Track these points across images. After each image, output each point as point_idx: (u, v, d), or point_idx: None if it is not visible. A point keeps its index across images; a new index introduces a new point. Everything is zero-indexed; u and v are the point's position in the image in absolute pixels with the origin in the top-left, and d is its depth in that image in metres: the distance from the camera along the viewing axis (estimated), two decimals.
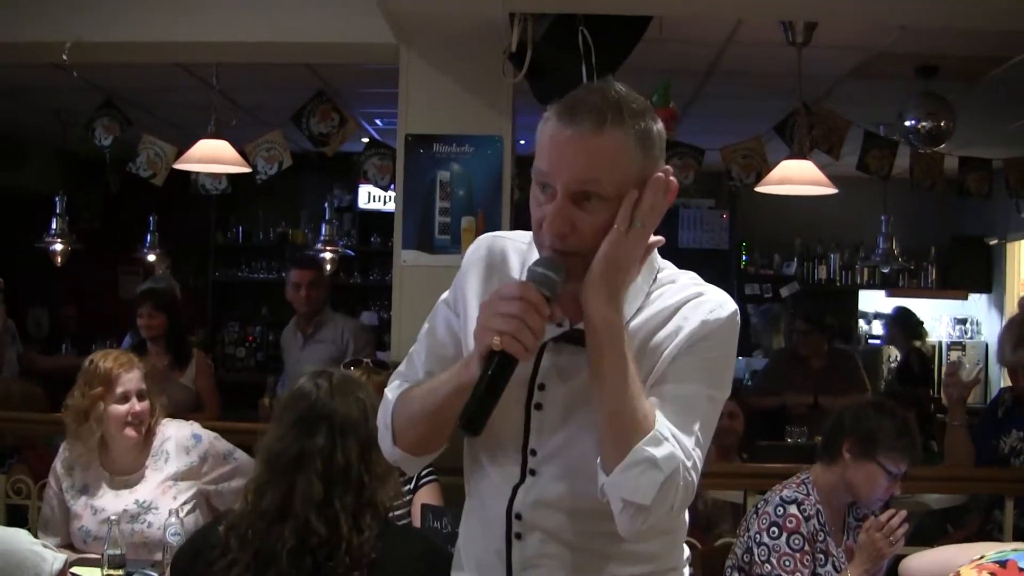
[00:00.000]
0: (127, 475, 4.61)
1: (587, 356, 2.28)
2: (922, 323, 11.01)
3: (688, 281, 2.45)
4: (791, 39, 6.52)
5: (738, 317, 2.40)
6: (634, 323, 2.35)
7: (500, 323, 2.20)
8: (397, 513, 4.50)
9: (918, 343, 10.86)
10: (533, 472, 2.43)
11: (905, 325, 10.58)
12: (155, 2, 6.25)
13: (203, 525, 3.72)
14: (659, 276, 2.45)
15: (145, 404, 4.60)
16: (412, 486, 4.75)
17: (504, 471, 2.47)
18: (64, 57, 6.26)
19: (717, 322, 2.35)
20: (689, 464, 2.23)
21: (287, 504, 3.17)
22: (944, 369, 5.90)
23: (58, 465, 4.67)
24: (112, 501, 4.53)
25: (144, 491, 4.57)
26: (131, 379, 4.61)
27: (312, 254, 10.14)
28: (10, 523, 3.94)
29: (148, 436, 4.66)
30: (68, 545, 4.52)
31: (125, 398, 4.57)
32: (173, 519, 4.28)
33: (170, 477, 4.60)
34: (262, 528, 3.17)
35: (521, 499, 2.43)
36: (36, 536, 3.85)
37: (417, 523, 4.47)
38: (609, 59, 5.49)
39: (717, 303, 2.38)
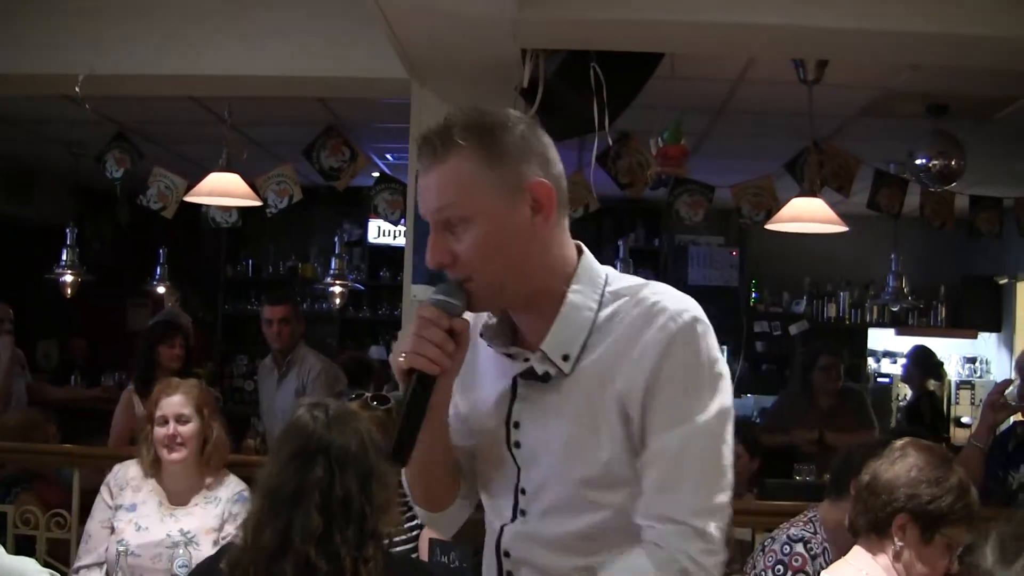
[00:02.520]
0: (178, 504, 4.68)
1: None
2: (942, 364, 10.96)
3: (643, 294, 2.36)
4: (802, 77, 6.53)
5: (699, 321, 2.29)
6: (585, 363, 2.33)
7: (405, 344, 2.28)
8: (405, 548, 4.50)
9: (933, 385, 10.80)
10: (524, 512, 2.42)
11: (925, 365, 10.52)
12: (168, 36, 6.26)
13: (205, 559, 3.71)
14: (606, 294, 2.39)
15: (187, 428, 4.66)
16: (420, 521, 4.75)
17: (499, 511, 2.48)
18: (77, 90, 6.28)
19: (679, 338, 2.27)
20: (693, 549, 2.20)
21: (286, 539, 3.13)
22: (993, 387, 5.81)
23: (111, 481, 4.74)
24: (158, 524, 4.60)
25: (191, 523, 4.61)
26: (172, 403, 4.68)
27: (285, 290, 10.11)
28: (18, 553, 3.93)
29: (208, 469, 4.73)
30: (101, 563, 4.58)
31: (164, 421, 4.64)
32: (181, 550, 4.30)
33: (216, 518, 4.63)
34: (263, 564, 3.14)
35: (508, 536, 2.43)
36: (72, 556, 3.86)
37: (424, 557, 4.46)
38: (620, 96, 5.51)
39: (670, 315, 2.28)
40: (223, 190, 7.44)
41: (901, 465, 3.43)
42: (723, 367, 2.32)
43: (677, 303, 2.31)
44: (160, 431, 4.67)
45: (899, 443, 3.55)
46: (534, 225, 2.30)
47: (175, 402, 4.71)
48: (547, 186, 2.31)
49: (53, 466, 6.68)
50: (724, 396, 2.31)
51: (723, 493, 2.26)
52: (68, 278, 9.72)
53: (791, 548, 4.10)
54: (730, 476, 2.29)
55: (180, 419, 4.68)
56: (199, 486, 4.74)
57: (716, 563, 2.23)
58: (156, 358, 7.41)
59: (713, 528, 2.22)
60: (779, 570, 4.09)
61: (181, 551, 4.36)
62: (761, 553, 4.23)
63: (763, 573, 4.14)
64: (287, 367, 7.76)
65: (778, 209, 7.07)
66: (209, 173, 7.43)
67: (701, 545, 2.20)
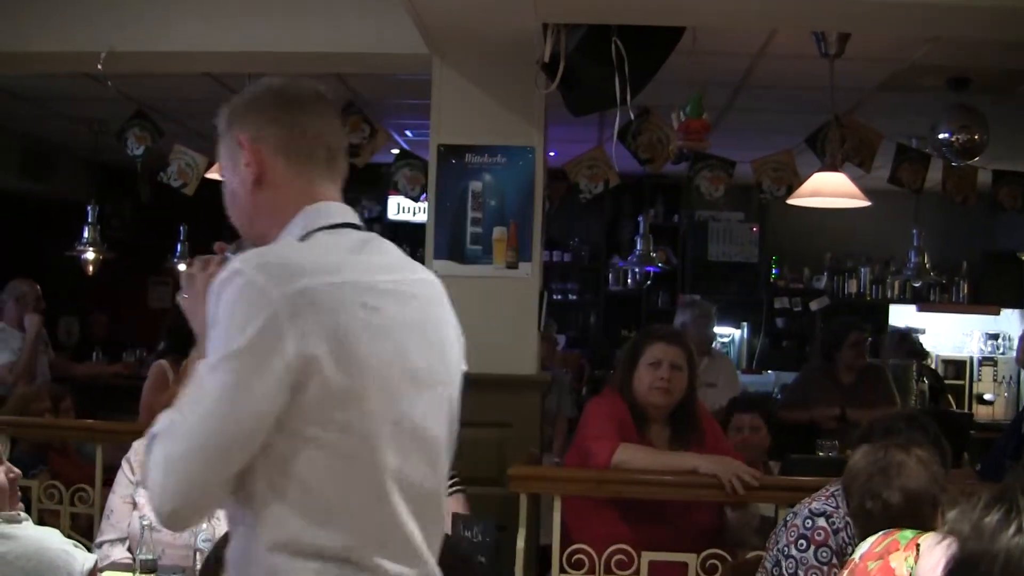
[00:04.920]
0: None
1: None
2: (920, 344, 10.88)
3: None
4: (824, 51, 6.49)
5: (237, 273, 2.19)
6: None
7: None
8: None
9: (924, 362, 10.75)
10: None
11: (908, 349, 10.45)
12: (188, 13, 6.27)
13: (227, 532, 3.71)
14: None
15: None
16: None
17: None
18: (99, 67, 6.28)
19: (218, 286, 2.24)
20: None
21: None
22: None
23: (132, 456, 4.72)
24: None
25: None
26: None
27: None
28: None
29: None
30: (124, 538, 4.59)
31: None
32: (205, 524, 4.30)
33: None
34: None
35: None
36: (95, 529, 3.87)
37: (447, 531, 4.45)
38: (642, 70, 5.48)
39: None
40: None
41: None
42: (244, 327, 2.15)
43: (244, 257, 2.25)
44: None
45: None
46: (249, 179, 2.45)
47: None
48: (253, 145, 2.44)
49: (76, 441, 6.70)
50: (234, 342, 2.16)
51: (181, 417, 2.22)
52: (90, 255, 9.75)
53: (813, 522, 4.09)
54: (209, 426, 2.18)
55: None
56: None
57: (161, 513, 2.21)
58: (183, 337, 7.40)
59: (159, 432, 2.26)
60: (802, 544, 4.07)
61: (204, 525, 4.35)
62: (783, 528, 4.22)
63: (786, 548, 4.12)
64: None
65: (799, 184, 7.03)
66: None
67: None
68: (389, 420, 2.26)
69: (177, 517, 2.20)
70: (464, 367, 2.54)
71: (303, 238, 2.38)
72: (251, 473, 2.20)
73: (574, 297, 13.34)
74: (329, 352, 2.17)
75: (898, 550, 3.19)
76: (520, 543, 4.90)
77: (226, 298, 2.19)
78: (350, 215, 2.46)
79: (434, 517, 2.41)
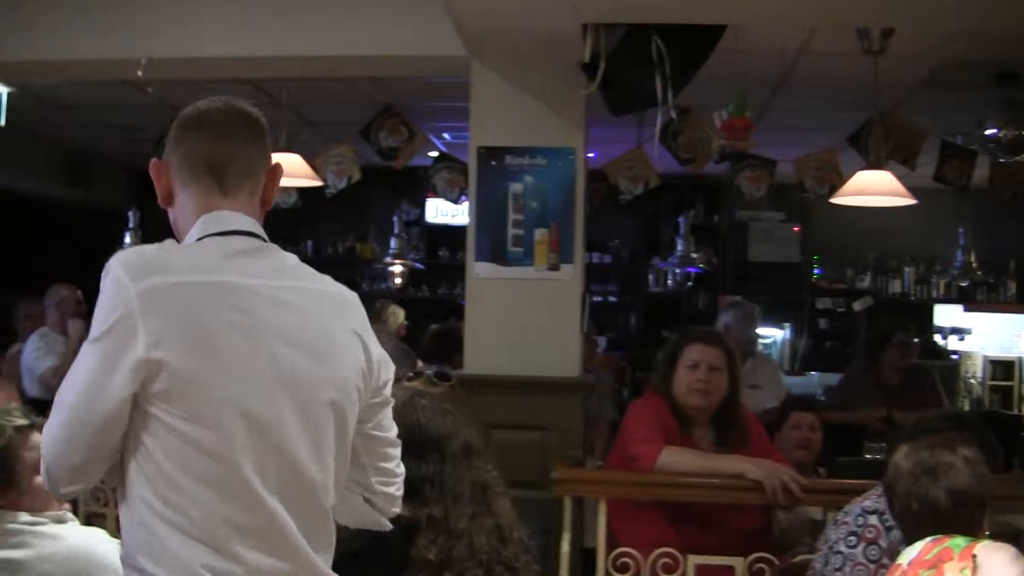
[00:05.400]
0: None
1: None
2: (938, 344, 10.74)
3: None
4: (866, 47, 6.41)
5: (109, 269, 2.39)
6: None
7: None
8: None
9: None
10: None
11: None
12: (227, 19, 6.25)
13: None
14: None
15: None
16: None
17: None
18: (139, 74, 6.27)
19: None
20: None
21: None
22: None
23: None
24: None
25: None
26: None
27: (336, 274, 9.99)
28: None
29: None
30: None
31: None
32: None
33: None
34: None
35: None
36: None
37: None
38: (683, 69, 5.44)
39: None
40: (284, 171, 7.41)
41: None
42: (107, 317, 2.36)
43: (119, 253, 2.45)
44: None
45: None
46: (161, 198, 2.66)
47: None
48: (159, 168, 2.64)
49: None
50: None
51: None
52: None
53: (865, 520, 4.02)
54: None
55: None
56: None
57: None
58: None
59: None
60: (851, 541, 4.01)
61: None
62: (834, 526, 4.16)
63: (835, 544, 4.06)
64: None
65: (842, 183, 6.95)
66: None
67: None
68: (239, 415, 2.35)
69: (50, 480, 2.41)
70: (368, 376, 2.58)
71: (198, 241, 2.52)
72: (124, 450, 2.38)
73: (614, 299, 13.29)
74: (181, 347, 2.31)
75: (952, 560, 3.12)
76: (564, 547, 4.86)
77: (102, 288, 2.39)
78: (244, 224, 2.53)
79: (313, 511, 2.47)
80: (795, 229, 12.61)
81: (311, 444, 2.45)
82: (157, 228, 9.72)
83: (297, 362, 2.43)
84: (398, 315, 10.39)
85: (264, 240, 2.54)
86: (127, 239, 9.67)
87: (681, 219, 10.47)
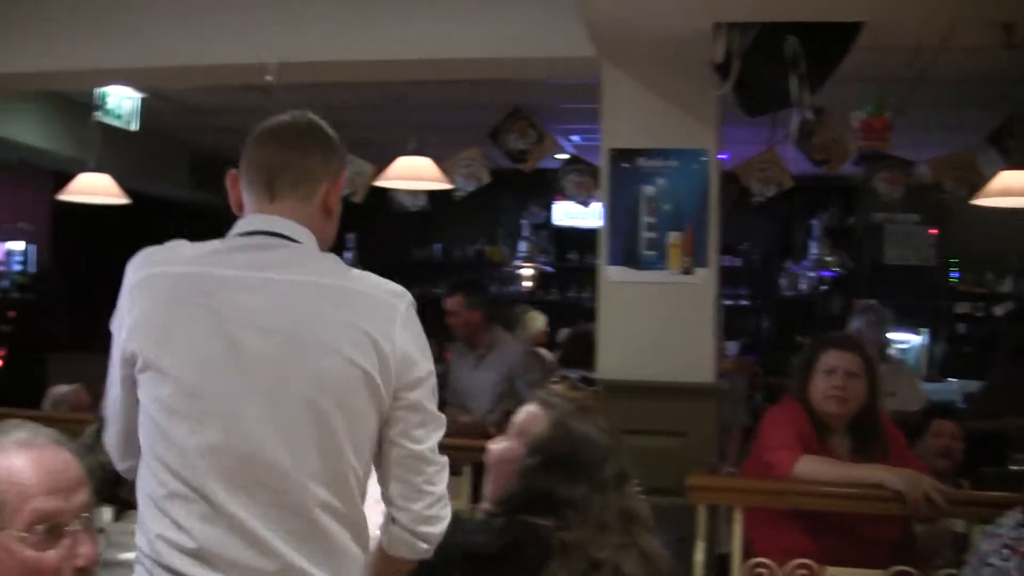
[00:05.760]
0: None
1: None
2: None
3: None
4: (1008, 42, 6.22)
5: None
6: None
7: None
8: None
9: None
10: None
11: None
12: (355, 23, 6.28)
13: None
14: None
15: None
16: None
17: None
18: (268, 78, 6.31)
19: None
20: None
21: None
22: None
23: None
24: None
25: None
26: None
27: (467, 277, 10.01)
28: None
29: None
30: None
31: None
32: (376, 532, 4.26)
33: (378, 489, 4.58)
34: None
35: None
36: None
37: None
38: (819, 68, 5.32)
39: None
40: (413, 174, 7.45)
41: None
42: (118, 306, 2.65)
43: None
44: None
45: None
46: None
47: None
48: (229, 176, 2.85)
49: None
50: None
51: None
52: None
53: (1020, 532, 3.89)
54: None
55: None
56: None
57: None
58: None
59: None
60: (1005, 554, 3.88)
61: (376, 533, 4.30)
62: (986, 538, 4.03)
63: (987, 556, 3.93)
64: (485, 351, 7.70)
65: (983, 184, 6.76)
66: (397, 158, 7.44)
67: None
68: (187, 395, 2.49)
69: (111, 457, 2.77)
70: (377, 375, 2.55)
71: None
72: None
73: (746, 302, 13.15)
74: (147, 334, 2.53)
75: None
76: (699, 555, 4.78)
77: None
78: (271, 225, 2.65)
79: (291, 510, 2.48)
80: (931, 232, 12.36)
81: (276, 433, 2.48)
82: None
83: (264, 348, 2.50)
84: (537, 320, 10.39)
85: (289, 239, 2.64)
86: None
87: (815, 221, 10.32)
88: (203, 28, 6.46)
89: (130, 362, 2.55)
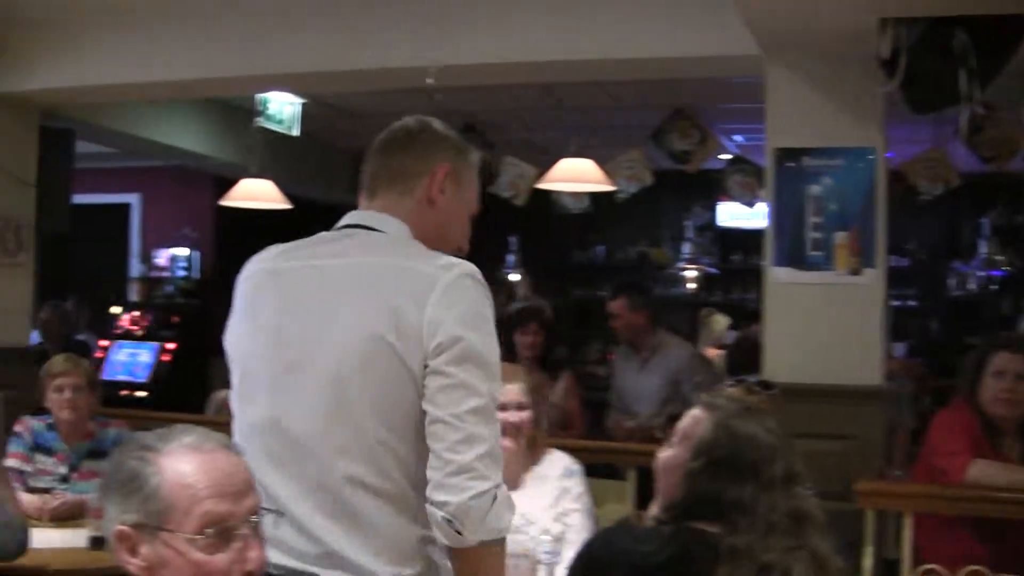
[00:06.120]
0: (510, 488, 4.64)
1: None
2: None
3: None
4: None
5: None
6: None
7: None
8: None
9: None
10: None
11: None
12: (517, 23, 6.30)
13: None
14: None
15: (524, 415, 4.61)
16: None
17: None
18: (429, 81, 6.37)
19: None
20: None
21: None
22: None
23: None
24: None
25: (524, 505, 4.57)
26: (509, 390, 4.64)
27: (629, 279, 9.94)
28: None
29: (534, 452, 4.68)
30: None
31: (503, 408, 4.60)
32: (546, 537, 4.29)
33: (548, 495, 4.60)
34: None
35: None
36: None
37: None
38: (989, 63, 5.20)
39: None
40: (575, 176, 7.48)
41: None
42: None
43: None
44: (499, 416, 4.61)
45: None
46: None
47: (515, 389, 4.66)
48: None
49: None
50: None
51: None
52: None
53: None
54: None
55: (520, 406, 4.64)
56: (526, 468, 4.69)
57: None
58: (512, 345, 7.49)
59: None
60: None
61: (545, 538, 4.33)
62: None
63: None
64: (650, 354, 7.67)
65: None
66: (558, 160, 7.46)
67: None
68: (244, 380, 2.77)
69: None
70: (407, 340, 2.59)
71: None
72: None
73: (913, 303, 12.89)
74: (232, 330, 2.84)
75: None
76: (867, 561, 4.72)
77: None
78: (360, 219, 2.90)
79: (330, 492, 2.58)
80: None
81: (302, 410, 2.63)
82: None
83: (298, 329, 2.69)
84: (720, 323, 10.35)
85: (370, 229, 2.84)
86: None
87: (983, 220, 10.09)
88: (363, 33, 6.54)
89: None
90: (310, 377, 2.63)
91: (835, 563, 2.93)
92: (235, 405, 2.80)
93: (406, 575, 2.59)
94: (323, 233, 2.91)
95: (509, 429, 4.59)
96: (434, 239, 2.85)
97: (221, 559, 2.09)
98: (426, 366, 2.56)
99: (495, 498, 2.56)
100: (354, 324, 2.61)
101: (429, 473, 2.55)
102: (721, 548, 2.79)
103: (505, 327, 7.74)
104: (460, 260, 2.73)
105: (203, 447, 2.15)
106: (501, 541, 2.60)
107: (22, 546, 4.16)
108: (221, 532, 2.09)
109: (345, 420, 2.58)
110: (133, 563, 2.11)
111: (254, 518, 2.16)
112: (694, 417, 3.04)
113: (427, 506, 2.55)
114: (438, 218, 2.91)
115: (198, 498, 2.08)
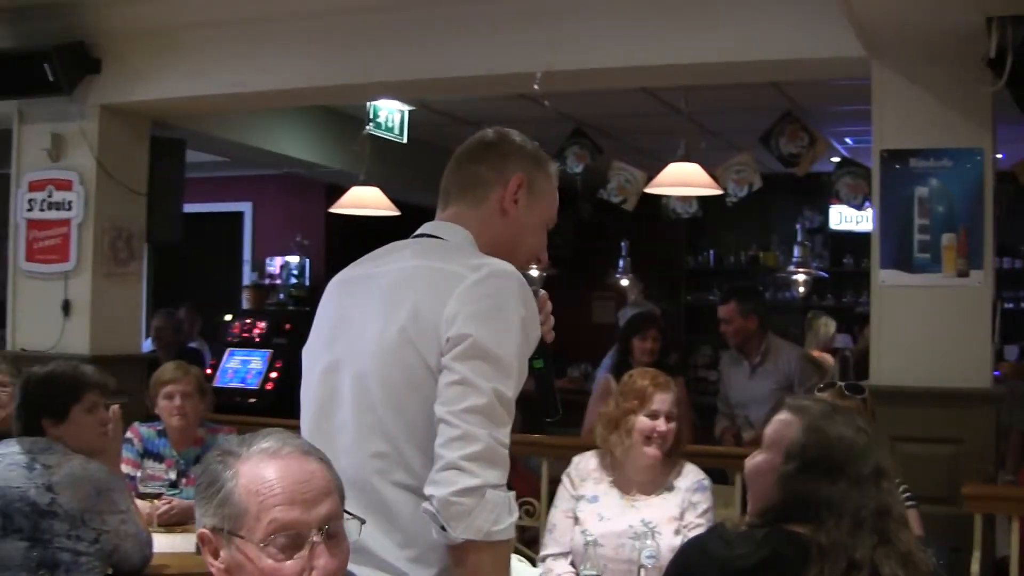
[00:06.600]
0: (640, 493, 4.68)
1: None
2: None
3: None
4: None
5: None
6: None
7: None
8: None
9: None
10: None
11: None
12: (623, 28, 6.30)
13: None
14: None
15: (671, 427, 4.64)
16: None
17: None
18: (535, 87, 6.40)
19: None
20: None
21: None
22: None
23: (572, 472, 4.82)
24: (620, 515, 4.63)
25: (652, 513, 4.60)
26: (664, 399, 4.68)
27: (740, 284, 9.88)
28: None
29: (671, 463, 4.71)
30: (567, 553, 4.67)
31: (654, 416, 4.64)
32: (648, 541, 4.31)
33: (676, 507, 4.61)
34: None
35: None
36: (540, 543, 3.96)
37: None
38: None
39: None
40: (683, 180, 7.48)
41: None
42: None
43: None
44: (647, 423, 4.64)
45: None
46: None
47: (667, 399, 4.69)
48: None
49: (523, 455, 6.85)
50: None
51: None
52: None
53: None
54: None
55: (669, 416, 4.67)
56: (660, 477, 4.71)
57: None
58: (630, 350, 7.51)
59: None
60: None
61: (649, 542, 4.35)
62: None
63: None
64: (760, 358, 7.63)
65: None
66: (666, 165, 7.46)
67: None
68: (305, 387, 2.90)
69: None
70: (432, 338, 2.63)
71: None
72: None
73: None
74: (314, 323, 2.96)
75: None
76: (975, 567, 4.67)
77: None
78: (431, 228, 2.96)
79: (357, 483, 2.60)
80: None
81: (332, 412, 2.77)
82: (566, 240, 9.99)
83: (337, 331, 2.84)
84: (829, 326, 10.27)
85: (435, 237, 2.90)
86: None
87: None
88: (470, 39, 6.59)
89: None
90: (344, 376, 2.74)
91: (924, 560, 2.93)
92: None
93: (431, 572, 2.62)
94: (396, 242, 2.95)
95: (656, 438, 4.64)
96: (507, 249, 2.88)
97: (289, 566, 2.09)
98: (440, 363, 2.59)
99: (483, 497, 2.49)
100: (385, 324, 2.68)
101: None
102: (811, 548, 2.79)
103: (622, 333, 7.78)
104: (498, 261, 2.73)
105: (279, 452, 2.16)
106: (496, 544, 2.53)
107: (146, 560, 4.28)
108: (290, 539, 2.10)
109: (373, 417, 2.64)
110: (215, 566, 2.16)
111: (328, 526, 2.14)
112: (782, 421, 3.05)
113: (426, 505, 2.54)
114: (511, 228, 2.94)
115: (267, 505, 2.10)
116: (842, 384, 4.53)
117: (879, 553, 2.80)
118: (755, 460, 3.08)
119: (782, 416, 3.05)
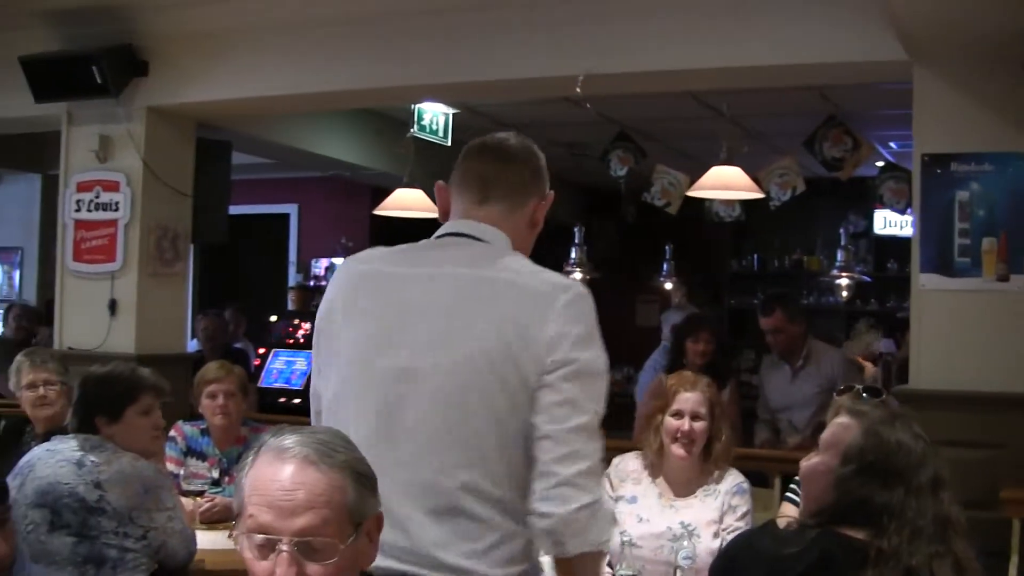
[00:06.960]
0: (679, 496, 4.69)
1: None
2: None
3: None
4: None
5: None
6: None
7: None
8: None
9: None
10: None
11: None
12: (665, 31, 6.31)
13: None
14: None
15: (699, 425, 4.65)
16: None
17: None
18: (577, 90, 6.42)
19: None
20: None
21: None
22: None
23: (611, 472, 4.81)
24: (659, 516, 4.64)
25: (691, 515, 4.61)
26: (688, 399, 4.69)
27: (778, 291, 9.83)
28: None
29: (711, 465, 4.71)
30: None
31: (678, 415, 4.65)
32: (686, 543, 4.32)
33: (715, 511, 4.62)
34: None
35: None
36: None
37: None
38: None
39: None
40: (726, 184, 7.47)
41: None
42: None
43: None
44: (673, 423, 4.66)
45: None
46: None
47: (693, 399, 4.70)
48: (437, 187, 3.20)
49: None
50: None
51: None
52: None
53: None
54: None
55: (696, 416, 4.67)
56: (700, 480, 4.71)
57: None
58: (683, 353, 7.53)
59: None
60: None
61: (685, 543, 4.36)
62: None
63: None
64: (802, 362, 7.61)
65: None
66: (710, 168, 7.46)
67: None
68: (346, 381, 2.83)
69: None
70: (517, 357, 2.67)
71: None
72: None
73: None
74: (341, 308, 2.90)
75: None
76: (1012, 572, 4.66)
77: None
78: (467, 228, 2.95)
79: (425, 489, 2.65)
80: None
81: (430, 422, 2.68)
82: (610, 244, 9.99)
83: (403, 335, 2.75)
84: (870, 334, 10.25)
85: (478, 239, 2.91)
86: (572, 254, 9.89)
87: None
88: (513, 43, 6.62)
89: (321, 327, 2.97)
90: (426, 387, 2.69)
91: (976, 567, 2.93)
92: (325, 404, 2.91)
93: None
94: (425, 240, 3.00)
95: (682, 437, 4.64)
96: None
97: (263, 566, 2.11)
98: (541, 380, 2.64)
99: (596, 512, 2.61)
100: (475, 336, 2.68)
101: (533, 484, 2.63)
102: (867, 552, 2.80)
103: (676, 335, 7.79)
104: (571, 280, 2.85)
105: (284, 454, 2.15)
106: (604, 553, 2.70)
107: (191, 556, 4.34)
108: (265, 541, 2.11)
109: (464, 429, 2.65)
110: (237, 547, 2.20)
111: (300, 540, 2.10)
112: (841, 424, 3.06)
113: (529, 516, 2.63)
114: (527, 240, 3.04)
115: (251, 502, 2.13)
116: (859, 387, 4.53)
117: (936, 561, 2.80)
118: (811, 462, 3.09)
119: (841, 419, 3.06)
